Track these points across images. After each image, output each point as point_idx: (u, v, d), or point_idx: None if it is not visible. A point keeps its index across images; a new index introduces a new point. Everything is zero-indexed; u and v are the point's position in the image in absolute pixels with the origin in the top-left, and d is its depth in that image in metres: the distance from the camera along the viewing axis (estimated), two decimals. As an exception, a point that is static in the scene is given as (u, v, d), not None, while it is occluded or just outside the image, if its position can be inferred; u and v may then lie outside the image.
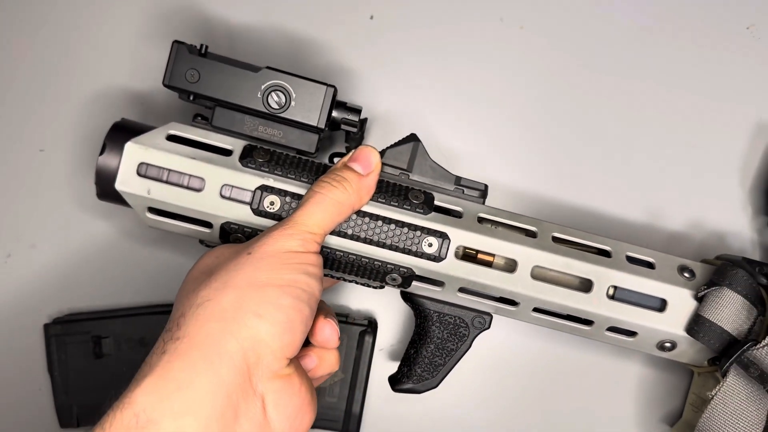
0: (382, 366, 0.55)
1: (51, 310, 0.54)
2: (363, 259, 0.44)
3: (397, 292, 0.52)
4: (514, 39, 0.56)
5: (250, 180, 0.43)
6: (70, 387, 0.52)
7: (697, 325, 0.45)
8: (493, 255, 0.45)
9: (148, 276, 0.54)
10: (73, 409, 0.52)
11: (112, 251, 0.54)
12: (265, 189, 0.42)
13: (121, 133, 0.43)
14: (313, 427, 0.53)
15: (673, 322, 0.46)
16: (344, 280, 0.46)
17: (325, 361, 0.40)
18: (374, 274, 0.44)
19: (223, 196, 0.43)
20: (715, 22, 0.56)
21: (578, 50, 0.56)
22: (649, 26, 0.56)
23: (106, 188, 0.43)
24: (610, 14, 0.56)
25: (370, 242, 0.43)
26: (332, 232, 0.43)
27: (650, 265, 0.46)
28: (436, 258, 0.44)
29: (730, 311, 0.44)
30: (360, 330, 0.53)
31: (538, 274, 0.45)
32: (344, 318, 0.53)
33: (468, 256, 0.45)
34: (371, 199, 0.43)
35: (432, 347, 0.47)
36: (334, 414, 0.53)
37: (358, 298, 0.55)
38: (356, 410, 0.53)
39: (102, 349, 0.52)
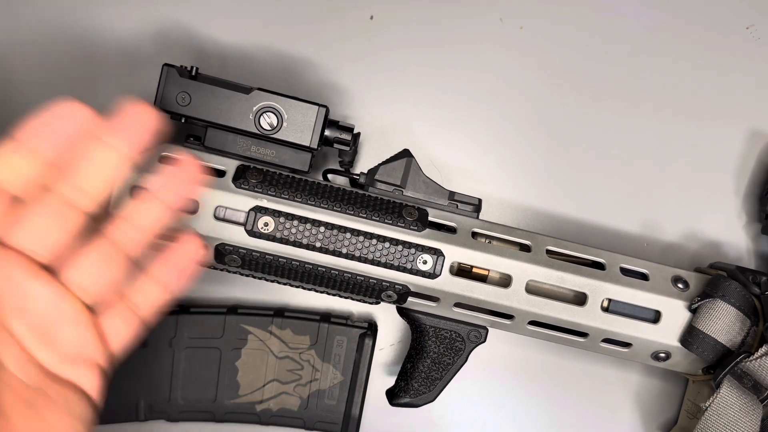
0: (382, 368, 0.55)
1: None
2: (358, 278, 0.44)
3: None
4: (513, 40, 0.55)
5: (244, 201, 0.43)
6: (69, 387, 0.52)
7: (690, 336, 0.45)
8: (487, 270, 0.46)
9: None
10: (73, 409, 0.52)
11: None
12: (259, 210, 0.42)
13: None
14: (313, 428, 0.54)
15: (667, 334, 0.46)
16: (340, 296, 0.46)
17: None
18: (370, 291, 0.45)
19: (217, 218, 0.43)
20: (714, 22, 0.56)
21: (577, 51, 0.56)
22: (649, 27, 0.56)
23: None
24: (610, 15, 0.56)
25: (365, 261, 0.43)
26: (327, 251, 0.43)
27: (644, 277, 0.47)
28: (431, 275, 0.44)
29: (724, 323, 0.44)
30: (360, 333, 0.53)
31: (533, 288, 0.46)
32: (344, 320, 0.53)
33: (463, 271, 0.45)
34: (366, 218, 0.44)
35: (428, 362, 0.48)
36: (332, 417, 0.53)
37: (357, 299, 0.55)
38: (355, 413, 0.53)
39: (102, 349, 0.52)
